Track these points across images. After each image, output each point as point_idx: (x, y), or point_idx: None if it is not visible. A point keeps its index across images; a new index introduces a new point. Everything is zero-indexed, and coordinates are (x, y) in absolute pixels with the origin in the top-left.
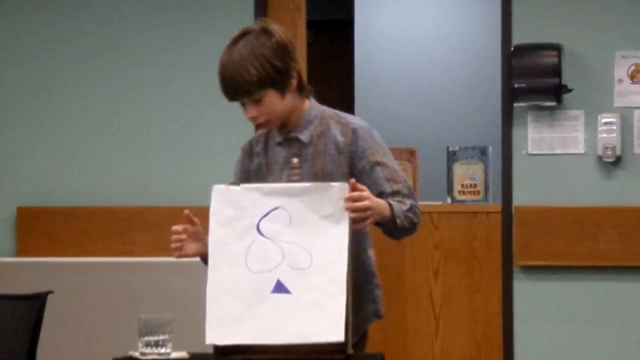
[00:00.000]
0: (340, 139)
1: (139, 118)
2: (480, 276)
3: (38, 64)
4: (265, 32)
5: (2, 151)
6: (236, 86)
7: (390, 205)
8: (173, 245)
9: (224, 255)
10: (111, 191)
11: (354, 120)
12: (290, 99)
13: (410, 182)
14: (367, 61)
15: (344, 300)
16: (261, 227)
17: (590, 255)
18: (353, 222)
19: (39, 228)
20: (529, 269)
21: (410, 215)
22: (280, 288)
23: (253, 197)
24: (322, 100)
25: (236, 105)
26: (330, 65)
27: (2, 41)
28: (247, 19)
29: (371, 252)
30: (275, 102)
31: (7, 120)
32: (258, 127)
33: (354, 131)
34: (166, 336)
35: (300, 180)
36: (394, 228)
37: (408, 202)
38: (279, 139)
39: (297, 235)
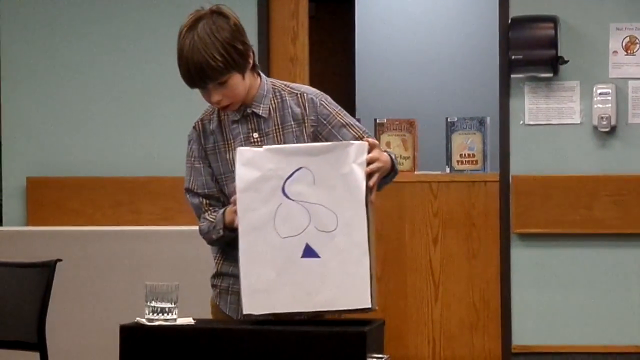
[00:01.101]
0: (297, 109)
1: (145, 90)
2: (479, 243)
3: (46, 37)
4: (220, 14)
5: (12, 123)
6: (202, 72)
7: (390, 157)
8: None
9: (252, 221)
10: (118, 162)
11: (306, 89)
12: (248, 78)
13: (409, 152)
14: (367, 34)
15: (367, 263)
16: (286, 189)
17: (585, 222)
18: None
19: (48, 198)
20: (526, 237)
21: (396, 161)
22: (309, 252)
23: (276, 158)
24: (323, 72)
25: None
26: (332, 38)
27: (11, 16)
28: None
29: None
30: (238, 84)
31: (16, 93)
32: (222, 109)
33: (311, 100)
34: (172, 303)
35: None
36: (389, 178)
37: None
38: (235, 116)
39: (321, 196)
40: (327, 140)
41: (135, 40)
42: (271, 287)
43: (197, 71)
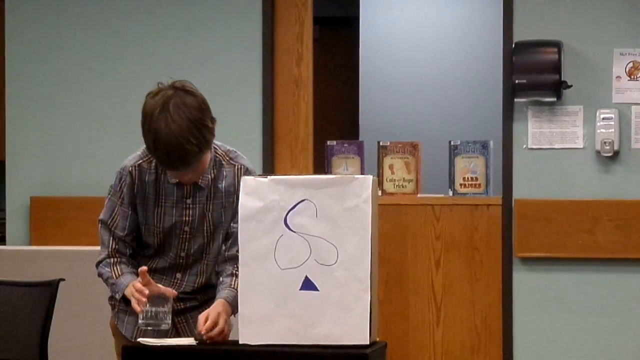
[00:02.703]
0: (230, 181)
1: None
2: (481, 267)
3: (50, 58)
4: (186, 91)
5: (16, 143)
6: (181, 159)
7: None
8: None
9: (253, 251)
10: None
11: (243, 161)
12: None
13: (412, 175)
14: (371, 57)
15: (368, 299)
16: (288, 221)
17: (588, 247)
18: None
19: (51, 217)
20: (528, 260)
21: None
22: (308, 285)
23: (280, 189)
24: (327, 94)
25: (240, 100)
26: (336, 60)
27: (16, 39)
28: (254, 16)
29: None
30: (206, 159)
31: (21, 113)
32: (186, 183)
33: (247, 172)
34: (165, 308)
35: (192, 220)
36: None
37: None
38: (174, 180)
39: (323, 229)
40: None
41: (140, 63)
42: (268, 318)
43: (178, 158)
